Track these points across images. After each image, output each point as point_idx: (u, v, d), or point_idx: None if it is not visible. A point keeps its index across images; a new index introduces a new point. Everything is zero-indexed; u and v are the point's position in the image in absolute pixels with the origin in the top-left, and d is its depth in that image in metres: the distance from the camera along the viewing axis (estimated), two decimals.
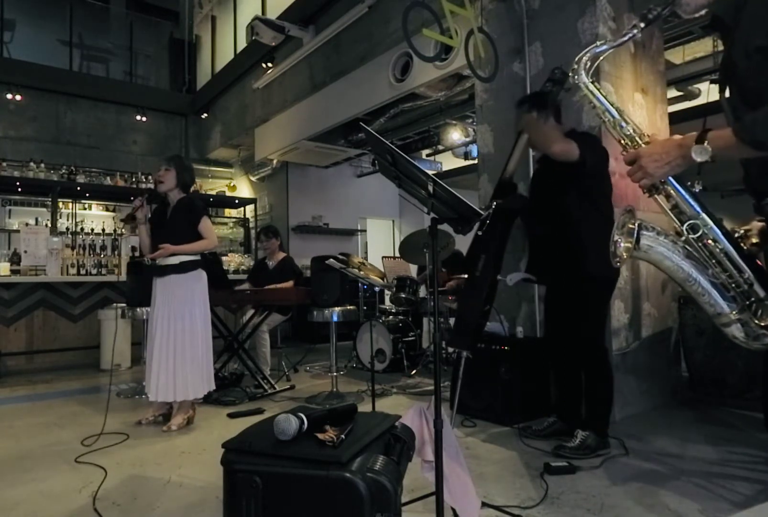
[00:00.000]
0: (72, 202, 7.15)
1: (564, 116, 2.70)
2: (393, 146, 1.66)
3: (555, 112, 2.62)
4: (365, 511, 1.17)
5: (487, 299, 2.74)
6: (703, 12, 1.34)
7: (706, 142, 1.17)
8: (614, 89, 3.19)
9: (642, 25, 1.33)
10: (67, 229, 6.84)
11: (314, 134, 6.35)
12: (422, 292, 5.27)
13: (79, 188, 6.79)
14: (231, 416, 3.30)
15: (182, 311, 3.02)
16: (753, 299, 1.25)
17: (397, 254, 4.35)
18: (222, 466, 1.30)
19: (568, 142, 2.36)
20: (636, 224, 1.29)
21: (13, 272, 5.02)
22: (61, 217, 6.86)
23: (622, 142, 1.37)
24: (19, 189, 6.58)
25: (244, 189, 8.90)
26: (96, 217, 7.35)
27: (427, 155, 8.40)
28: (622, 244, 1.33)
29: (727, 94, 1.36)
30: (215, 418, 3.29)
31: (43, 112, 7.55)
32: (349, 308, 3.84)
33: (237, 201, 8.25)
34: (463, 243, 4.40)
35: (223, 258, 6.15)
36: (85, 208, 7.42)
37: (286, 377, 4.51)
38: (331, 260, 3.64)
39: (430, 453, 1.61)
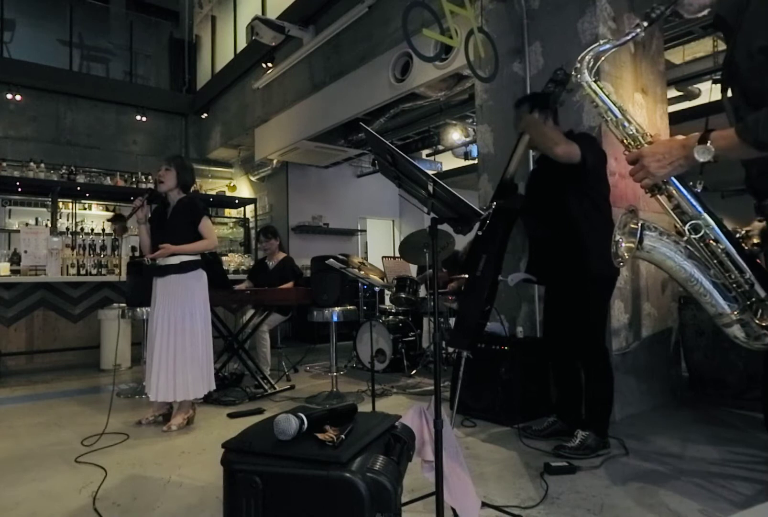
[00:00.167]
0: (72, 202, 7.15)
1: (564, 116, 2.71)
2: (393, 146, 1.66)
3: (553, 114, 2.62)
4: (365, 511, 1.17)
5: (488, 299, 2.74)
6: (705, 12, 1.33)
7: (709, 142, 1.16)
8: (614, 89, 3.19)
9: (645, 24, 1.33)
10: (67, 229, 6.83)
11: (314, 134, 6.35)
12: (422, 292, 5.27)
13: (79, 188, 6.80)
14: (231, 416, 3.30)
15: (182, 311, 3.03)
16: (754, 299, 1.25)
17: (397, 254, 4.35)
18: (222, 466, 1.30)
19: (570, 144, 2.36)
20: (639, 224, 1.29)
21: (13, 272, 5.02)
22: (61, 217, 6.86)
23: (625, 141, 1.37)
24: (19, 189, 6.58)
25: (244, 189, 8.90)
26: (96, 217, 7.34)
27: (427, 155, 8.40)
28: (623, 244, 1.33)
29: (729, 94, 1.36)
30: (215, 418, 3.29)
31: (43, 112, 7.55)
32: (349, 308, 3.84)
33: (237, 201, 8.25)
34: (463, 243, 4.42)
35: (223, 258, 6.15)
36: (85, 208, 7.42)
37: (286, 377, 4.51)
38: (331, 260, 3.64)
39: (430, 453, 1.61)
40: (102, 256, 5.64)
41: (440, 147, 7.50)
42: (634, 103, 3.35)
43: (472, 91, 4.41)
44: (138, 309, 3.97)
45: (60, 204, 6.86)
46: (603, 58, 1.43)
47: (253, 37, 5.91)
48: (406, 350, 4.75)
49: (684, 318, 3.56)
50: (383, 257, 5.81)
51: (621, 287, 3.14)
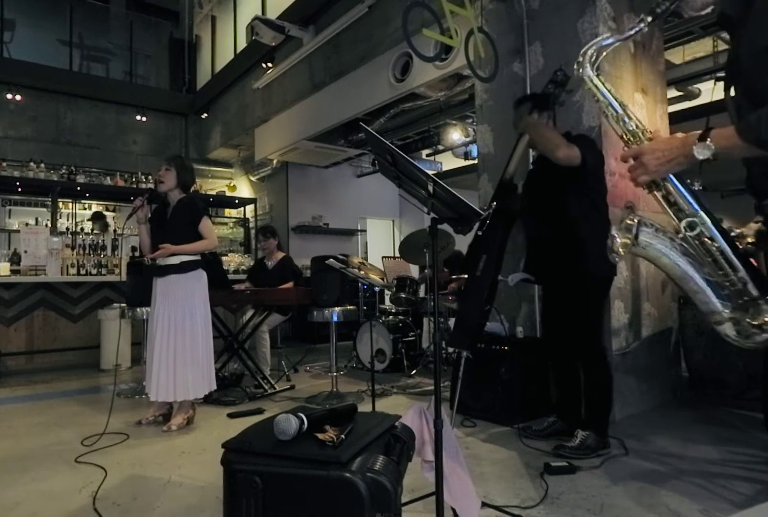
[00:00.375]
0: (72, 202, 7.16)
1: (564, 116, 2.71)
2: (393, 146, 1.66)
3: (552, 115, 2.62)
4: (365, 511, 1.17)
5: (488, 299, 2.74)
6: (708, 9, 1.33)
7: (709, 139, 1.16)
8: (614, 89, 3.19)
9: (649, 19, 1.33)
10: (67, 229, 6.84)
11: (314, 134, 6.35)
12: (422, 292, 5.27)
13: (79, 188, 6.80)
14: (231, 416, 3.30)
15: (182, 311, 3.03)
16: (746, 297, 1.25)
17: (397, 254, 4.35)
18: (222, 466, 1.30)
19: (571, 147, 2.36)
20: (635, 220, 1.29)
21: (13, 272, 5.02)
22: (61, 217, 6.87)
23: (625, 137, 1.36)
24: (19, 189, 6.59)
25: (244, 189, 8.91)
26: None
27: (427, 155, 8.40)
28: (618, 240, 1.32)
29: (732, 92, 1.36)
30: (215, 418, 3.29)
31: (43, 112, 7.55)
32: (349, 308, 3.84)
33: (237, 201, 8.25)
34: (463, 243, 4.42)
35: (223, 258, 6.15)
36: (85, 208, 7.42)
37: (286, 377, 4.51)
38: (331, 260, 3.64)
39: (430, 453, 1.61)
40: (102, 256, 5.64)
41: (440, 147, 7.50)
42: (634, 103, 3.34)
43: (472, 91, 4.41)
44: (138, 309, 3.97)
45: (60, 204, 6.87)
46: (604, 54, 1.43)
47: (253, 37, 5.91)
48: (406, 350, 4.75)
49: (684, 318, 3.56)
50: (383, 257, 5.82)
51: (621, 287, 3.14)
